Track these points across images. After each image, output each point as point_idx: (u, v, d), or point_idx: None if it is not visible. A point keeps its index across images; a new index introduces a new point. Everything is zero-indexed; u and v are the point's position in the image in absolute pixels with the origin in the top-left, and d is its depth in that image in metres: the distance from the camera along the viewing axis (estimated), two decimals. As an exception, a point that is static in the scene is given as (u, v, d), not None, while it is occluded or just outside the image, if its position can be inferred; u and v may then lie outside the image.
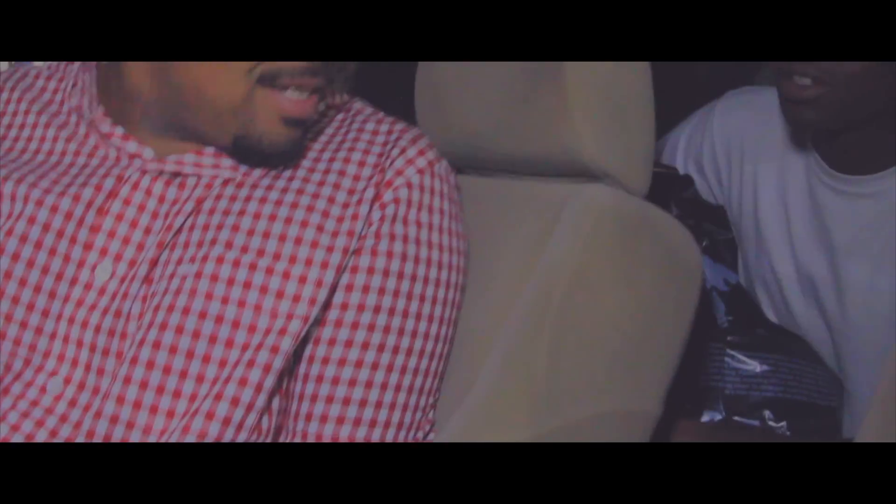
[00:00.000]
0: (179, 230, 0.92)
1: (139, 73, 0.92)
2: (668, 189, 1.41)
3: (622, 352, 0.96)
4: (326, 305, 0.92)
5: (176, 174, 0.94)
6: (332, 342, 0.92)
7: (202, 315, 0.89)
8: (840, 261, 1.29)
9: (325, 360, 0.92)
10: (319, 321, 0.92)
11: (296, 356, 0.92)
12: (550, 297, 0.95)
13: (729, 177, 1.42)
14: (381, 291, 0.93)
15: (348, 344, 0.92)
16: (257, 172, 0.95)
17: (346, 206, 0.93)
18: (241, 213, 0.92)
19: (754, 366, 1.36)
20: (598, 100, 0.99)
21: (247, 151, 0.93)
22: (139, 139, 0.95)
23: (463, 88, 1.10)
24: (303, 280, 0.91)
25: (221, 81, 0.89)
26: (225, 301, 0.89)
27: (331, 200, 0.93)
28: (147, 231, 0.93)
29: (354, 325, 0.92)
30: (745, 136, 1.40)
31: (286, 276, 0.90)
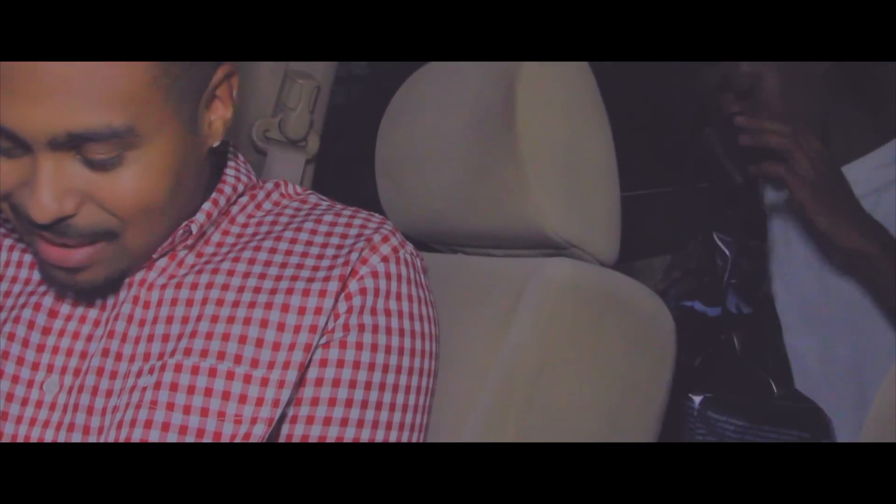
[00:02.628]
0: (137, 339, 0.91)
1: None
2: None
3: (594, 431, 0.93)
4: (296, 401, 0.90)
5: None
6: (304, 439, 0.89)
7: (165, 427, 0.87)
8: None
9: None
10: (290, 418, 0.90)
11: None
12: (514, 382, 0.92)
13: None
14: (353, 384, 0.90)
15: (321, 440, 0.89)
16: (208, 271, 0.93)
17: (306, 300, 0.90)
18: (199, 317, 0.90)
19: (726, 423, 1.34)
20: (556, 169, 0.97)
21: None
22: None
23: (421, 165, 1.08)
24: (265, 382, 0.88)
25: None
26: (187, 411, 0.87)
27: (290, 294, 0.90)
28: (89, 339, 0.92)
29: (326, 421, 0.89)
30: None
31: (248, 379, 0.88)
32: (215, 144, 0.91)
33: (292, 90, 1.29)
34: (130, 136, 0.81)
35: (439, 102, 1.08)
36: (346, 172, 1.72)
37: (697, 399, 1.25)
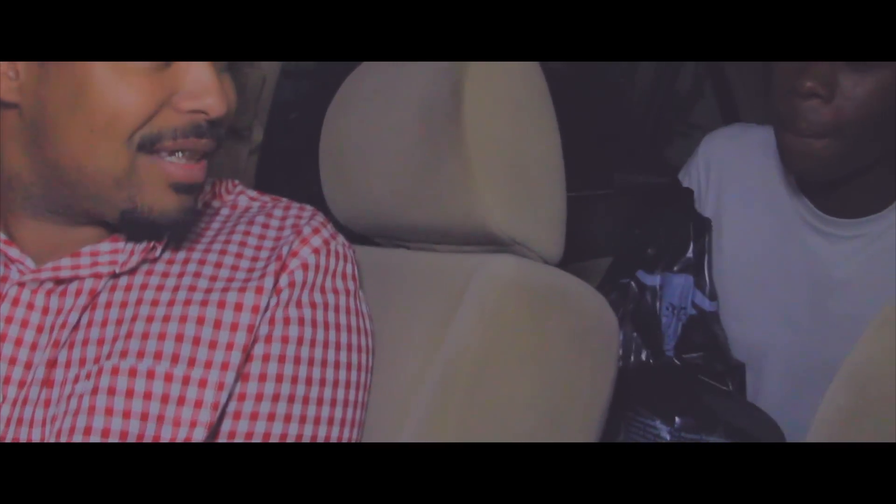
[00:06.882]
0: (71, 345, 0.87)
1: (14, 154, 0.85)
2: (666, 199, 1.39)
3: (536, 431, 0.92)
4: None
5: (57, 281, 0.89)
6: (231, 435, 0.87)
7: (104, 433, 0.84)
8: (823, 301, 1.28)
9: None
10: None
11: None
12: (456, 380, 0.90)
13: (706, 202, 1.42)
14: (279, 378, 0.88)
15: (248, 436, 0.87)
16: (141, 272, 0.90)
17: (243, 296, 0.88)
18: (134, 318, 0.87)
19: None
20: (502, 165, 0.96)
21: (136, 225, 0.86)
22: (21, 244, 0.89)
23: (366, 158, 1.06)
24: (203, 384, 0.86)
25: (100, 152, 0.82)
26: (126, 415, 0.84)
27: (226, 291, 0.88)
28: (33, 348, 0.88)
29: (253, 416, 0.87)
30: (724, 166, 1.40)
31: (186, 381, 0.86)
32: None
33: (237, 79, 1.27)
34: None
35: (385, 95, 1.06)
36: (290, 167, 1.70)
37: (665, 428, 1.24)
